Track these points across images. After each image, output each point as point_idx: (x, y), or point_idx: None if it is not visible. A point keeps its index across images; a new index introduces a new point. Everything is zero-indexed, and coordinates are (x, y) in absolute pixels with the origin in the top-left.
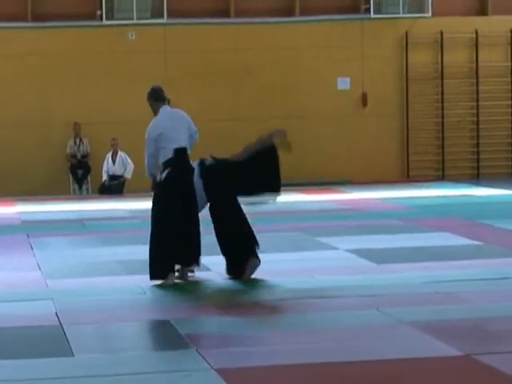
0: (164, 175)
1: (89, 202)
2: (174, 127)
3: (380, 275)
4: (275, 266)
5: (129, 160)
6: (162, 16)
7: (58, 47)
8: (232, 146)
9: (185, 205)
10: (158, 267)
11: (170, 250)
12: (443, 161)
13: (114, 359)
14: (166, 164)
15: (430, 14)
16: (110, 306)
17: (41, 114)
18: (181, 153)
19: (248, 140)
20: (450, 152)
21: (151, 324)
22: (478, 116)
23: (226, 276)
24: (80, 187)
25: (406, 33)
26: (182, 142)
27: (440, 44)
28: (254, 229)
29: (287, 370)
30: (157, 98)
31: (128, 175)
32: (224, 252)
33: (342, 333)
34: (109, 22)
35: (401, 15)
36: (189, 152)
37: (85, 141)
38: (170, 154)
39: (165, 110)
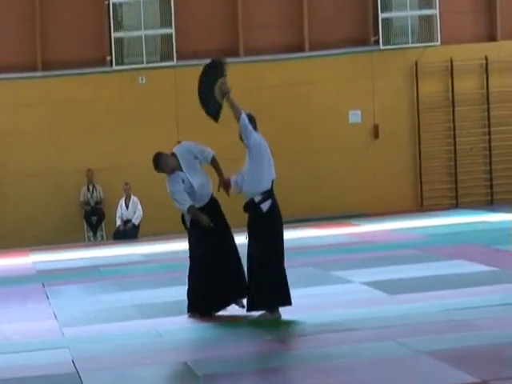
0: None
1: (103, 248)
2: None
3: (395, 306)
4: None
5: (139, 206)
6: (171, 59)
7: (68, 95)
8: None
9: None
10: None
11: None
12: (457, 188)
13: None
14: None
15: (439, 43)
16: (126, 351)
17: (53, 162)
18: None
19: None
20: (463, 179)
21: (169, 367)
22: (490, 142)
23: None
24: (94, 234)
25: (416, 62)
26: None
27: (450, 72)
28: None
29: None
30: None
31: (136, 221)
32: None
33: (359, 366)
34: (119, 68)
35: (410, 45)
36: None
37: (98, 187)
38: None
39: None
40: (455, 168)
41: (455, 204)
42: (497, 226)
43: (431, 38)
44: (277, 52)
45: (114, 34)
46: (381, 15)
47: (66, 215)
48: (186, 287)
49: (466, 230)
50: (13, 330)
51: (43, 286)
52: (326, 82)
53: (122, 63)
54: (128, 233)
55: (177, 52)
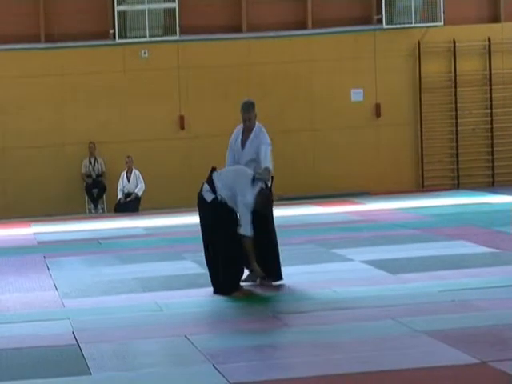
0: None
1: (104, 221)
2: None
3: (396, 285)
4: (292, 278)
5: (141, 179)
6: (174, 33)
7: (71, 67)
8: None
9: None
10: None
11: None
12: (458, 169)
13: (131, 377)
14: None
15: (442, 23)
16: (126, 324)
17: (55, 134)
18: None
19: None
20: (464, 160)
21: (168, 340)
22: (492, 123)
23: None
24: (95, 206)
25: (419, 42)
26: None
27: (453, 52)
28: None
29: (305, 383)
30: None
31: (139, 192)
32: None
33: (359, 344)
34: (121, 41)
35: (413, 25)
36: None
37: (100, 160)
38: None
39: None
40: (457, 149)
41: (456, 185)
42: (498, 208)
43: (434, 19)
44: (280, 29)
45: (117, 8)
46: None
47: (68, 187)
48: None
49: (466, 211)
50: (13, 300)
51: (44, 257)
52: (328, 60)
53: (125, 37)
54: (129, 206)
55: (180, 26)
